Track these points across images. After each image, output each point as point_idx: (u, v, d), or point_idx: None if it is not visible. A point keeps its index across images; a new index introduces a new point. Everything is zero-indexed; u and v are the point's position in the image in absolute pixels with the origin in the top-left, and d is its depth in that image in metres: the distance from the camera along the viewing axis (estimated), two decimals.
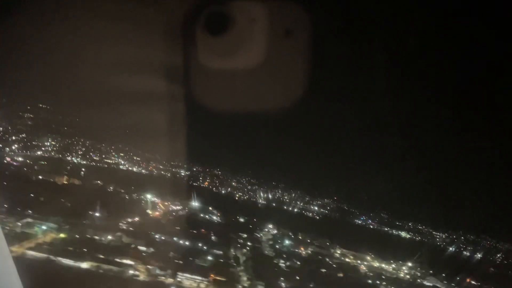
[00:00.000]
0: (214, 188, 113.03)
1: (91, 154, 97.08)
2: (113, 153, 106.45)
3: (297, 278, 41.58)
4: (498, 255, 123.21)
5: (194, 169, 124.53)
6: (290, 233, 66.64)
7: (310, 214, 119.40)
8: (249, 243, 50.08)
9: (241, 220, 64.21)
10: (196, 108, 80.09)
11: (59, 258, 29.76)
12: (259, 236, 56.32)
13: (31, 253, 29.98)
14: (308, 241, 63.49)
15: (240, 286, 34.12)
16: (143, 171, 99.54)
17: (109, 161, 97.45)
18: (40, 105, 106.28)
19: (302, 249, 56.51)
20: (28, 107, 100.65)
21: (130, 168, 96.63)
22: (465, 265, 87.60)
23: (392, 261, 62.72)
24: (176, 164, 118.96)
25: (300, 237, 65.03)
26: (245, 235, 54.13)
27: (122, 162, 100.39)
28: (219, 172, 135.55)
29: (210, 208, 70.60)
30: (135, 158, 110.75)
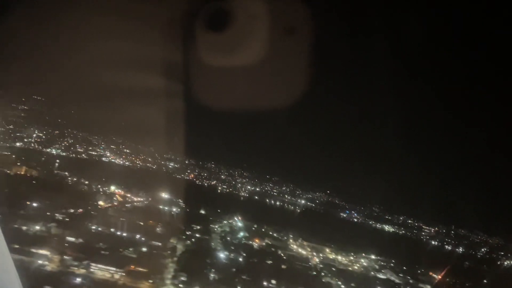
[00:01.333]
0: (197, 181, 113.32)
1: (77, 146, 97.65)
2: (102, 146, 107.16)
3: (233, 270, 41.48)
4: (483, 249, 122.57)
5: (186, 162, 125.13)
6: (255, 226, 66.76)
7: (292, 207, 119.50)
8: (197, 235, 49.98)
9: (202, 212, 64.03)
10: (195, 104, 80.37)
11: None
12: (214, 228, 56.23)
13: None
14: (270, 233, 63.44)
15: (160, 277, 34.03)
16: (127, 163, 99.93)
17: (93, 153, 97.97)
18: (35, 97, 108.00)
19: (256, 241, 56.38)
20: (23, 99, 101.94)
21: (113, 161, 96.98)
22: (439, 258, 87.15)
23: (353, 254, 62.45)
24: (168, 158, 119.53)
25: (263, 230, 65.04)
26: (198, 227, 54.03)
27: (108, 154, 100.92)
28: (212, 165, 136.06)
29: (179, 200, 70.71)
30: (125, 151, 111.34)
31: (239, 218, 68.31)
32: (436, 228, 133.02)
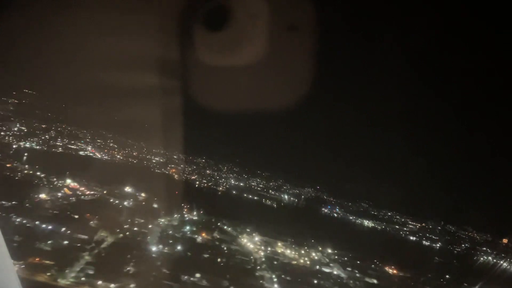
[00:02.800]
0: (176, 176, 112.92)
1: (58, 140, 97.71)
2: (88, 140, 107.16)
3: (158, 263, 40.88)
4: (464, 245, 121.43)
5: (175, 157, 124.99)
6: (213, 220, 66.26)
7: (270, 202, 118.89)
8: (135, 229, 49.42)
9: (155, 206, 63.48)
10: (192, 100, 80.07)
11: None
12: (160, 221, 55.66)
13: None
14: (225, 227, 62.89)
15: (67, 270, 33.52)
16: (105, 157, 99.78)
17: (73, 147, 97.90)
18: (26, 90, 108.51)
19: (203, 235, 55.80)
20: (14, 92, 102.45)
21: (90, 155, 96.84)
22: (407, 254, 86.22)
23: (307, 248, 61.80)
24: (157, 152, 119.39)
25: (218, 224, 64.52)
26: (142, 220, 53.50)
27: (89, 148, 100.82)
28: (202, 160, 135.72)
29: (142, 194, 70.39)
30: (111, 145, 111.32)
31: (200, 212, 67.94)
32: (423, 224, 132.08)
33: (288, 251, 57.13)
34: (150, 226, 51.49)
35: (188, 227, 55.46)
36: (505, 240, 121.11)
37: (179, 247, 46.85)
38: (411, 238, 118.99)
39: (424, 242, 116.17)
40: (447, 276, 70.38)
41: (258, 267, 47.16)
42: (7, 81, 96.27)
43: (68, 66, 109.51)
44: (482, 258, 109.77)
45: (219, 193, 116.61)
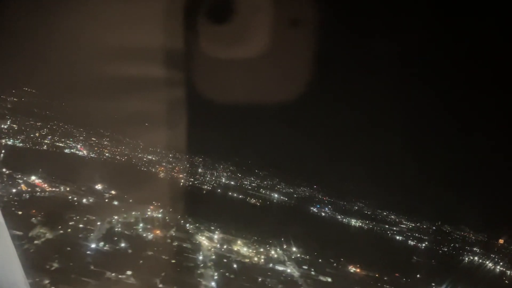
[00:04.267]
0: (162, 174, 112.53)
1: (48, 137, 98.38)
2: (81, 138, 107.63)
3: (89, 260, 40.17)
4: (453, 245, 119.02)
5: (171, 155, 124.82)
6: (178, 217, 65.50)
7: (254, 201, 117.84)
8: (81, 225, 48.80)
9: (115, 203, 62.92)
10: (194, 98, 79.67)
11: None
12: (112, 219, 55.00)
13: None
14: (187, 226, 62.12)
15: None
16: (92, 155, 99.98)
17: (61, 144, 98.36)
18: (26, 88, 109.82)
19: (156, 232, 55.02)
20: (13, 91, 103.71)
21: (76, 152, 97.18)
22: (384, 253, 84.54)
23: (268, 246, 60.74)
24: (152, 151, 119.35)
25: (182, 222, 63.78)
26: (93, 217, 52.89)
27: (79, 146, 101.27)
28: (200, 159, 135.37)
29: (112, 192, 70.08)
30: (105, 143, 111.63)
31: (169, 210, 67.22)
32: (418, 224, 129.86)
33: (245, 249, 56.01)
34: (99, 223, 50.71)
35: (141, 225, 54.49)
36: (501, 241, 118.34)
37: (122, 245, 45.96)
38: (397, 237, 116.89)
39: (410, 242, 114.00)
40: (418, 276, 68.65)
41: (202, 265, 46.07)
42: (7, 79, 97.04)
43: (69, 64, 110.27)
44: (467, 259, 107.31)
45: (204, 191, 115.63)
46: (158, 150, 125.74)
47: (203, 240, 56.61)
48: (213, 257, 49.79)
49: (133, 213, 59.41)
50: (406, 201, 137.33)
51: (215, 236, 58.81)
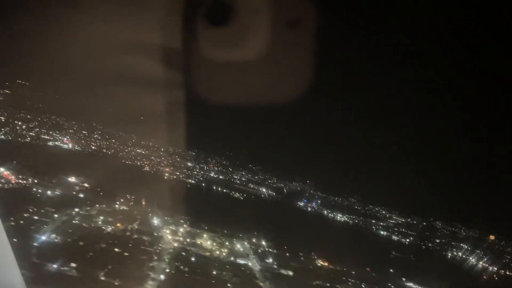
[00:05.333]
0: (148, 167, 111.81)
1: (35, 130, 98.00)
2: (71, 131, 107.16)
3: (33, 251, 39.38)
4: (439, 241, 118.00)
5: (162, 149, 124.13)
6: (148, 210, 64.77)
7: (238, 195, 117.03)
8: (35, 217, 48.01)
9: (80, 196, 62.14)
10: (190, 94, 78.89)
11: None
12: (72, 211, 54.19)
13: None
14: (152, 219, 61.31)
15: None
16: (76, 148, 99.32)
17: (46, 137, 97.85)
18: (19, 81, 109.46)
19: (118, 225, 54.26)
20: (6, 83, 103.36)
21: (60, 145, 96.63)
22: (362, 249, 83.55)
23: (235, 240, 59.90)
24: (145, 145, 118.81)
25: (149, 215, 62.96)
26: (53, 210, 52.12)
27: (64, 139, 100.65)
28: (192, 154, 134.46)
29: (85, 185, 69.39)
30: (95, 137, 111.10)
31: (141, 202, 66.60)
32: (409, 220, 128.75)
33: (209, 243, 55.14)
34: (56, 215, 49.93)
35: (102, 217, 53.66)
36: (492, 237, 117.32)
37: (75, 237, 45.15)
38: (382, 233, 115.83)
39: (394, 237, 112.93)
40: (391, 270, 67.74)
41: (156, 258, 45.21)
42: (1, 71, 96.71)
43: (64, 57, 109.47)
44: (450, 254, 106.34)
45: (188, 186, 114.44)
46: (151, 144, 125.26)
47: (167, 233, 55.67)
48: (171, 250, 48.87)
49: (97, 205, 58.46)
50: (401, 197, 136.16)
51: (181, 230, 57.78)
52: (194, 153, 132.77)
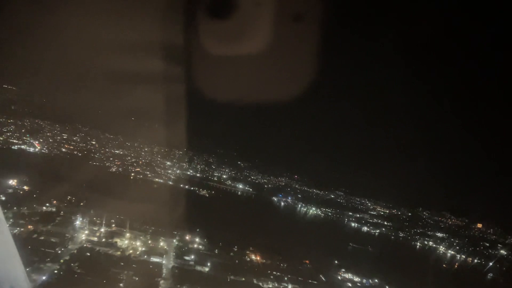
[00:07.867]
0: (114, 168, 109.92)
1: (7, 134, 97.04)
2: (48, 134, 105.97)
3: None
4: (413, 231, 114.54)
5: (146, 149, 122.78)
6: (79, 211, 62.43)
7: (204, 192, 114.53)
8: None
9: (2, 198, 59.71)
10: (184, 92, 76.78)
11: None
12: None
13: None
14: (79, 220, 58.94)
15: None
16: (44, 150, 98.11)
17: (14, 141, 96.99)
18: (6, 86, 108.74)
19: (28, 227, 51.76)
20: None
21: (24, 148, 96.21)
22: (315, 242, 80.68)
23: (162, 238, 57.20)
24: (128, 146, 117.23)
25: (73, 217, 60.60)
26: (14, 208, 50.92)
27: (35, 143, 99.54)
28: (180, 153, 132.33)
29: (25, 187, 67.46)
30: (75, 139, 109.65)
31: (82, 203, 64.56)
32: (394, 211, 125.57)
33: (126, 242, 52.35)
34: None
35: (12, 220, 51.11)
36: (479, 225, 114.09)
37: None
38: (352, 224, 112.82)
39: (364, 228, 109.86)
40: (336, 262, 64.70)
41: (50, 259, 42.47)
42: None
43: (54, 61, 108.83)
44: (420, 244, 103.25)
45: (155, 185, 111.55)
46: (136, 145, 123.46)
47: (83, 234, 52.94)
48: (74, 251, 46.09)
49: (15, 208, 55.97)
50: (391, 188, 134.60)
51: (102, 230, 54.98)
52: (181, 152, 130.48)
